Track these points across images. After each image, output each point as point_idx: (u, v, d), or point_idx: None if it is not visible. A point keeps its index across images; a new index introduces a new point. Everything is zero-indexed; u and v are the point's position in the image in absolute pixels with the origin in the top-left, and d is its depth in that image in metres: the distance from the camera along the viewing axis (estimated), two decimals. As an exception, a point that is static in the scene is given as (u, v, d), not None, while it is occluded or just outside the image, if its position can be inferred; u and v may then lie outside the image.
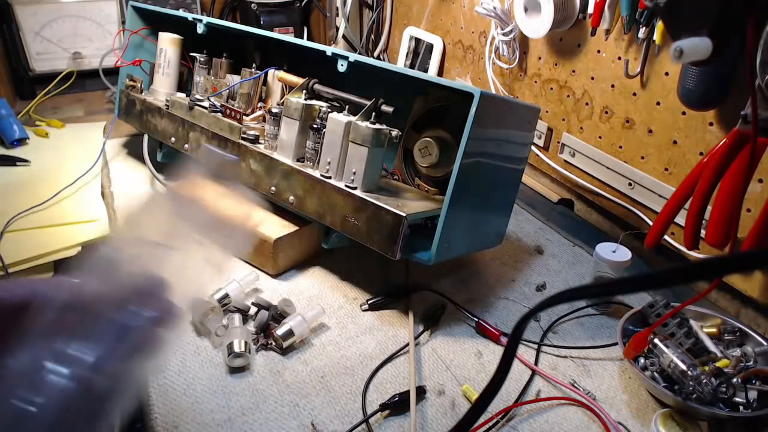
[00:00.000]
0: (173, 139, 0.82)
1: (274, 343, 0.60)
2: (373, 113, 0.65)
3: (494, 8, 0.92)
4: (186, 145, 0.80)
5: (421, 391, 0.56)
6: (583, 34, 0.85)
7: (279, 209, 0.74)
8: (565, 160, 0.93)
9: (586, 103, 0.88)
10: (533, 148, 0.98)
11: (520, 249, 0.82)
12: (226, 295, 0.64)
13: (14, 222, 0.80)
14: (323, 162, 0.67)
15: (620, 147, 0.83)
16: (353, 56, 0.68)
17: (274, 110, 0.71)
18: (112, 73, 1.12)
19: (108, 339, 0.36)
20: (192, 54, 0.85)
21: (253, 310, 0.64)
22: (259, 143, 0.74)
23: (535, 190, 1.01)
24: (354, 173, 0.64)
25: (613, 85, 0.82)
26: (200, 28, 0.85)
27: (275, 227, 0.70)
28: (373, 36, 1.43)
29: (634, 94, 0.79)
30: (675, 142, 0.75)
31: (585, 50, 0.86)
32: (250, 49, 0.90)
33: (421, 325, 0.65)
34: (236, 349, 0.57)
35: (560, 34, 0.89)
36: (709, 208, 0.60)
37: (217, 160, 0.75)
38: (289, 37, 0.76)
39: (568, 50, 0.89)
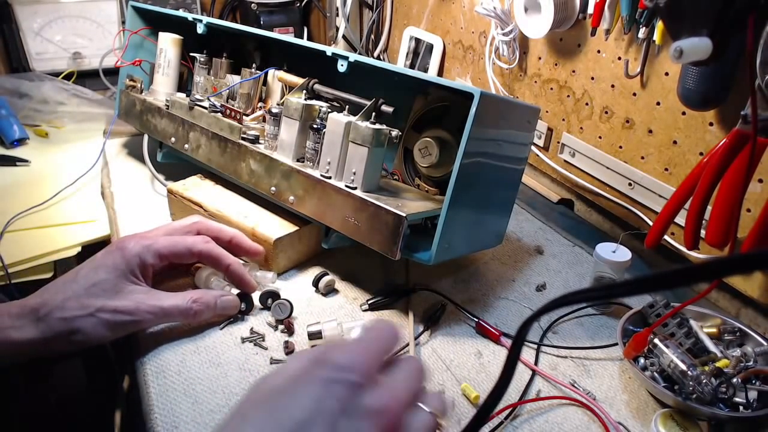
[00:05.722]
0: (173, 139, 0.82)
1: (288, 336, 0.61)
2: (373, 113, 0.65)
3: (494, 8, 0.92)
4: (186, 145, 0.80)
5: (421, 392, 0.56)
6: (583, 34, 0.85)
7: (279, 209, 0.74)
8: (565, 160, 0.93)
9: (586, 103, 0.88)
10: (533, 148, 0.98)
11: (520, 249, 0.82)
12: None
13: (14, 222, 0.80)
14: (323, 162, 0.67)
15: (620, 147, 0.83)
16: (353, 56, 0.68)
17: (274, 110, 0.71)
18: (112, 73, 1.12)
19: None
20: (192, 54, 0.85)
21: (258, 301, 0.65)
22: (259, 143, 0.74)
23: (535, 190, 1.01)
24: (354, 173, 0.64)
25: (613, 85, 0.82)
26: (200, 28, 0.85)
27: (275, 227, 0.70)
28: (373, 36, 1.43)
29: (634, 94, 0.79)
30: (675, 142, 0.75)
31: (585, 50, 0.86)
32: (250, 49, 0.90)
33: (421, 325, 0.65)
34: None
35: (560, 34, 0.89)
36: (709, 208, 0.60)
37: None
38: (289, 37, 0.76)
39: (568, 50, 0.89)
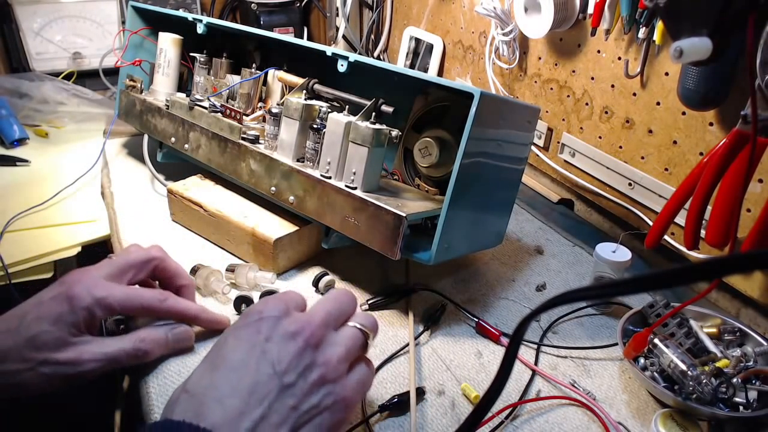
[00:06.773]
0: (173, 139, 0.82)
1: None
2: (373, 113, 0.65)
3: (494, 8, 0.92)
4: (186, 145, 0.80)
5: (420, 392, 0.56)
6: (583, 34, 0.85)
7: (279, 209, 0.74)
8: (565, 160, 0.93)
9: (586, 103, 0.88)
10: (533, 148, 0.98)
11: (520, 249, 0.82)
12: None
13: (14, 222, 0.80)
14: (323, 162, 0.67)
15: (620, 147, 0.83)
16: (353, 56, 0.68)
17: (274, 110, 0.71)
18: (112, 73, 1.12)
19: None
20: (192, 54, 0.85)
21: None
22: (259, 143, 0.74)
23: (535, 190, 1.02)
24: (354, 173, 0.64)
25: (613, 85, 0.82)
26: (200, 28, 0.85)
27: (275, 227, 0.70)
28: (373, 36, 1.43)
29: (634, 94, 0.79)
30: (675, 142, 0.75)
31: (585, 50, 0.86)
32: (250, 49, 0.90)
33: (421, 325, 0.65)
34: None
35: (560, 34, 0.89)
36: (709, 208, 0.60)
37: None
38: (289, 37, 0.76)
39: (568, 50, 0.89)
